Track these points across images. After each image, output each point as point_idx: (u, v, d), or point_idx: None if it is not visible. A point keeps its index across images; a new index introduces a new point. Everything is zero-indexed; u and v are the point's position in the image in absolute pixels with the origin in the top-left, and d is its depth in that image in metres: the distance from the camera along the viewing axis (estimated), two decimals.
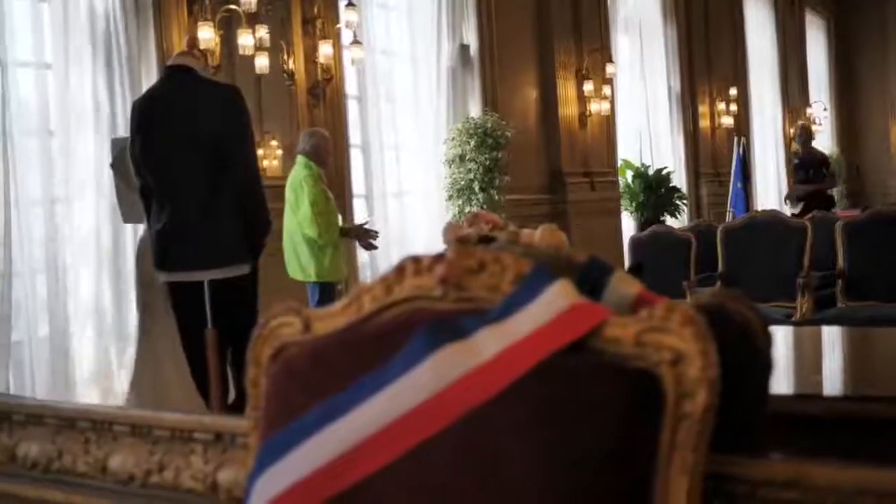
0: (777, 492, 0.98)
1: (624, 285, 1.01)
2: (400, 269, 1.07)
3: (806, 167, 9.48)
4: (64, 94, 5.05)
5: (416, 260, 1.06)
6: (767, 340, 1.00)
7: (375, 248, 5.64)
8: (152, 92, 4.06)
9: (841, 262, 5.43)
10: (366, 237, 5.52)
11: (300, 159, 5.27)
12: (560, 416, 0.91)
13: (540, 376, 0.92)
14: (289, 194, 5.22)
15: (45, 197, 4.98)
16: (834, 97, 15.80)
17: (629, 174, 9.79)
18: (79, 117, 5.06)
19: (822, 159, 9.71)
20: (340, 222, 5.50)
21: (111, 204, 4.58)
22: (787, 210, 9.14)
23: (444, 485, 0.93)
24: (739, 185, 10.00)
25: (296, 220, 5.16)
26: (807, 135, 9.84)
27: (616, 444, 0.90)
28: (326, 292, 5.18)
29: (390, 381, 0.98)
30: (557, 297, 0.96)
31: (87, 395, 4.95)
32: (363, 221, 5.87)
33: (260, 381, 1.14)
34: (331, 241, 5.19)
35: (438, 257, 1.05)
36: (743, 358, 0.96)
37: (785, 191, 12.74)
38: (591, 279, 1.02)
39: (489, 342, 0.96)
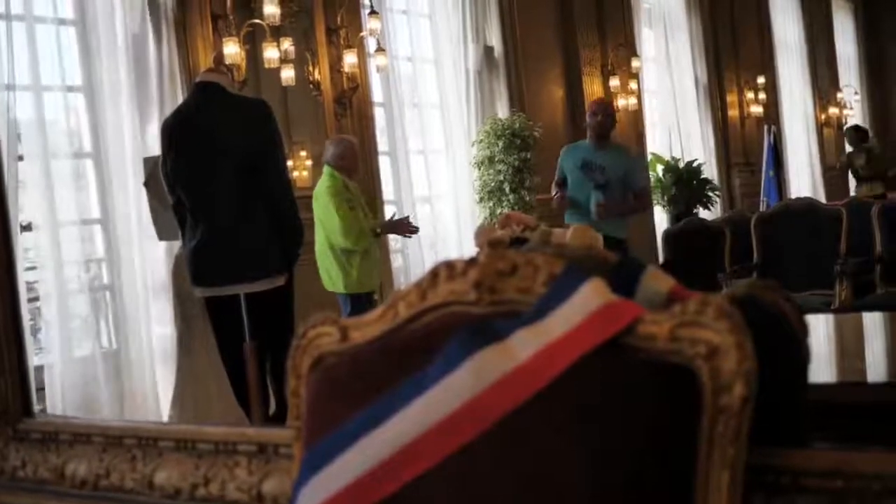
0: (821, 481, 0.98)
1: (656, 282, 1.01)
2: (434, 275, 1.07)
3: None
4: (95, 116, 5.11)
5: (449, 265, 1.07)
6: (803, 329, 1.00)
7: (416, 229, 5.62)
8: (182, 109, 4.10)
9: (878, 247, 5.37)
10: (402, 229, 5.51)
11: (325, 169, 5.27)
12: (598, 414, 0.91)
13: (576, 376, 0.93)
14: (315, 205, 5.22)
15: (81, 218, 5.04)
16: (864, 81, 15.58)
17: (660, 168, 9.73)
18: (110, 138, 5.11)
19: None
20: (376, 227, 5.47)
21: (146, 222, 4.63)
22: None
23: (487, 487, 0.94)
24: (771, 173, 9.89)
25: (324, 232, 5.15)
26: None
27: (655, 439, 0.90)
28: (358, 304, 5.12)
29: (429, 386, 0.98)
30: (590, 296, 0.97)
31: (129, 413, 4.99)
32: (390, 216, 5.81)
33: (300, 391, 1.16)
34: (365, 245, 5.15)
35: (471, 261, 1.05)
36: (779, 348, 0.96)
37: (819, 176, 12.42)
38: (624, 277, 1.02)
39: (525, 344, 0.96)
